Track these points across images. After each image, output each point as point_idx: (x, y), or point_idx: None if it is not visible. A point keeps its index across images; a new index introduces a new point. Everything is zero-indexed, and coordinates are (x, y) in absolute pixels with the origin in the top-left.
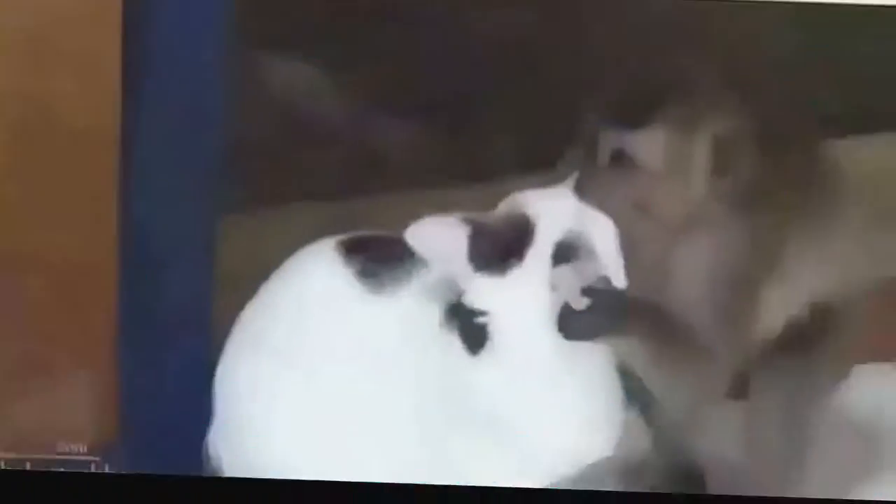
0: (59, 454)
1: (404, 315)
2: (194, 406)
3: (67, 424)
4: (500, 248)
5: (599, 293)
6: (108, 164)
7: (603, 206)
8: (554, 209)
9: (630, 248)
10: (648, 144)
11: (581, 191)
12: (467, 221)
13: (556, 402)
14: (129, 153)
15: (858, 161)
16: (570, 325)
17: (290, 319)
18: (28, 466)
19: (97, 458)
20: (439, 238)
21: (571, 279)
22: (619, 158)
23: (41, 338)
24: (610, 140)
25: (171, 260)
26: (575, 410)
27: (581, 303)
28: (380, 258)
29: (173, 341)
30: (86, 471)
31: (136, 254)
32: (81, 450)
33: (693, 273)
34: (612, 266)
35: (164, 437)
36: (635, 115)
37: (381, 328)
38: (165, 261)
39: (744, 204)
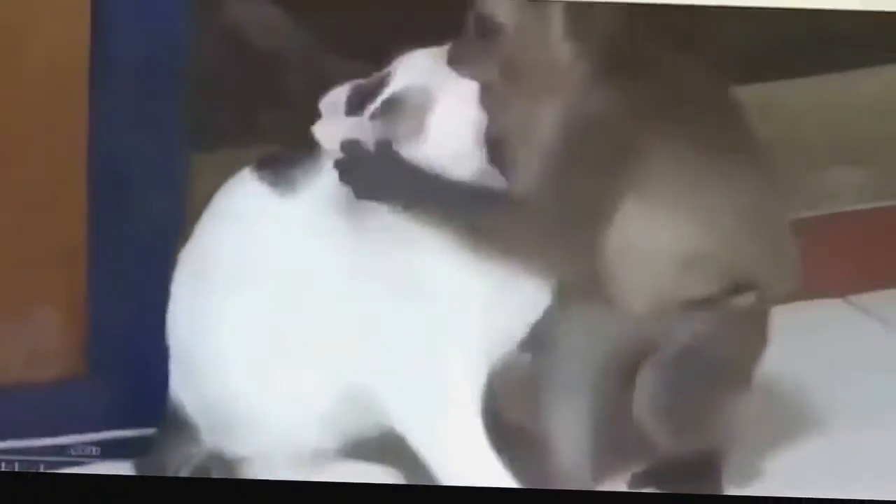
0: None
1: (321, 200)
2: (162, 342)
3: (36, 355)
4: (360, 102)
5: (370, 155)
6: (78, 99)
7: (472, 72)
8: (410, 66)
9: (489, 115)
10: (504, 9)
11: (455, 57)
12: (351, 82)
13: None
14: (98, 89)
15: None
16: (352, 181)
17: (221, 247)
18: (42, 468)
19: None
20: (336, 99)
21: (343, 130)
22: (484, 24)
23: (11, 270)
24: (476, 6)
25: (141, 197)
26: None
27: (336, 154)
28: (289, 161)
29: (143, 277)
30: (98, 473)
31: (106, 191)
32: (49, 378)
33: (539, 140)
34: (450, 128)
35: (132, 371)
36: None
37: (301, 223)
38: (135, 197)
39: (606, 75)
